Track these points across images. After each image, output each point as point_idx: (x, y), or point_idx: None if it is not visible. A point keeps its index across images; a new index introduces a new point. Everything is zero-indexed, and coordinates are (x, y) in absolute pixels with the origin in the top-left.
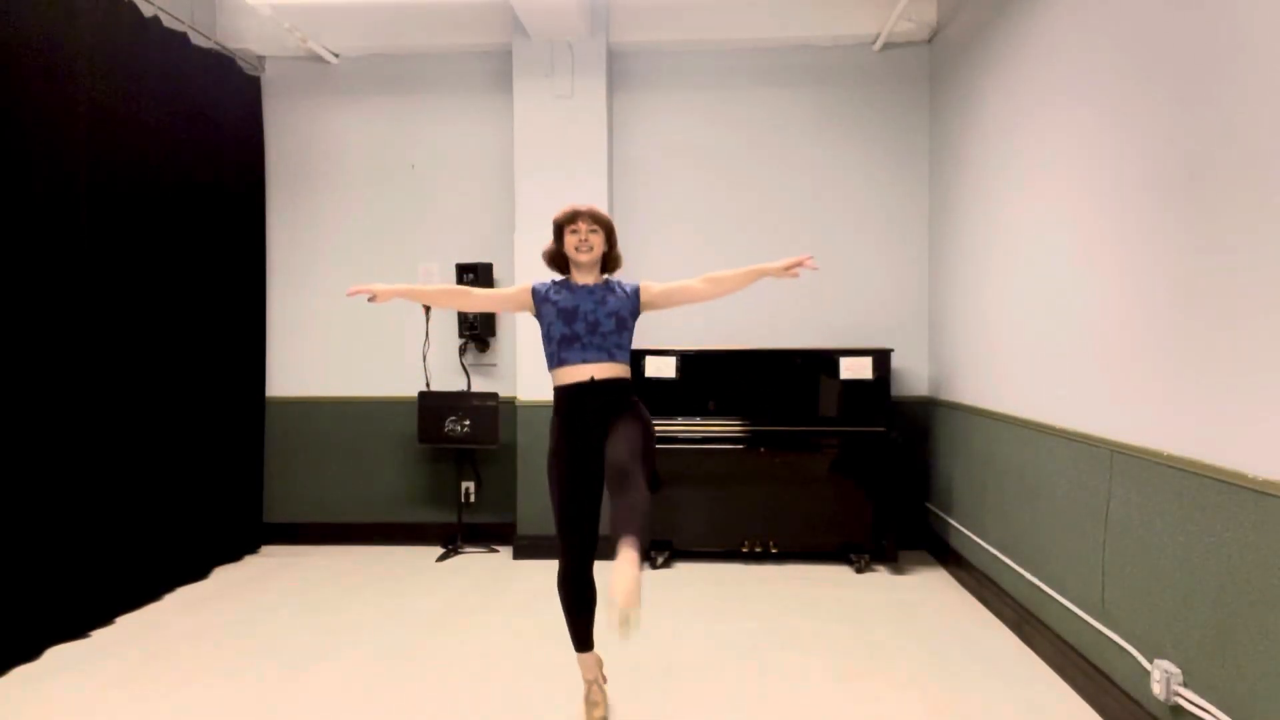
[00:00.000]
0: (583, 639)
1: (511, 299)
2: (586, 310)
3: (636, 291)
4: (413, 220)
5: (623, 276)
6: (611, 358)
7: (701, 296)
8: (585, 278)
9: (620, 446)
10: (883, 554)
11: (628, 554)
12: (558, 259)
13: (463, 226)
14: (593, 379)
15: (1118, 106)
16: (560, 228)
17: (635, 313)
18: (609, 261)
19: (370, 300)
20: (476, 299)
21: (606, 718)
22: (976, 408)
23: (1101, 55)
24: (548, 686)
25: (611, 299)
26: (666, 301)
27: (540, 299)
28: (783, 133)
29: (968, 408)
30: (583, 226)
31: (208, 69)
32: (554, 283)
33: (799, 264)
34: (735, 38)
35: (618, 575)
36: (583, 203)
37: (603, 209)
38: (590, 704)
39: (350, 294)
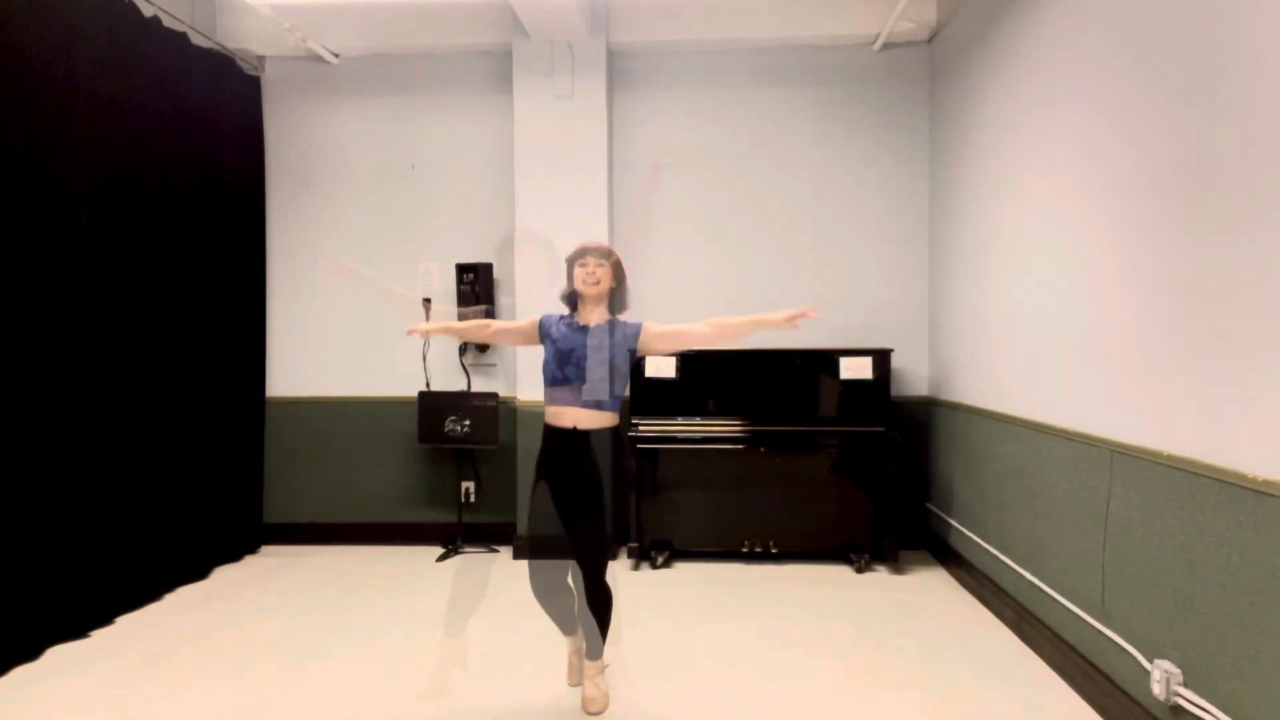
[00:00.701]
0: (564, 627)
1: (522, 332)
2: (580, 356)
3: (637, 333)
4: (413, 220)
5: (633, 296)
6: (599, 406)
7: (703, 342)
8: (591, 315)
9: (581, 535)
10: (883, 554)
11: (594, 676)
12: (571, 298)
13: (463, 226)
14: (575, 429)
15: (1118, 106)
16: (570, 264)
17: (631, 354)
18: (616, 299)
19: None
20: (494, 331)
21: (598, 689)
22: (976, 408)
23: (1102, 55)
24: (548, 686)
25: (609, 342)
26: (665, 345)
27: (544, 333)
28: (783, 133)
29: (968, 408)
30: (590, 261)
31: (208, 69)
32: (560, 317)
33: (801, 315)
34: (735, 38)
35: (588, 693)
36: (592, 240)
37: (609, 244)
38: (571, 668)
39: (409, 334)
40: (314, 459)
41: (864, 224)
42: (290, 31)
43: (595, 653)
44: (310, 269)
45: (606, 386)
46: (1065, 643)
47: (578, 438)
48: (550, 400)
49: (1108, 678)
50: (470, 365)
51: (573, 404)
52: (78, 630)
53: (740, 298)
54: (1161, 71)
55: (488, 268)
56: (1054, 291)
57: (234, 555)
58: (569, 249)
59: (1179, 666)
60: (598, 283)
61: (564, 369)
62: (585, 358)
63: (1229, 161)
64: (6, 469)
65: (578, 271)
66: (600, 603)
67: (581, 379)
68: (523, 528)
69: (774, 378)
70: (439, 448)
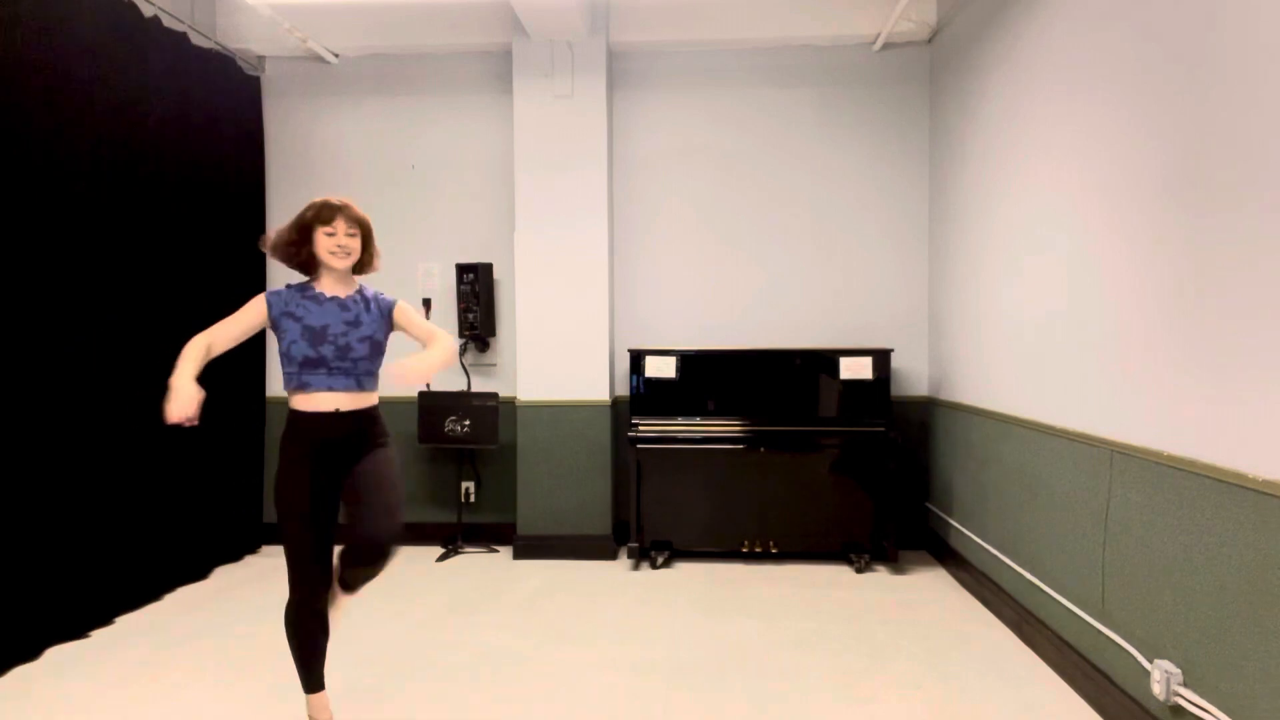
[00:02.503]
0: (315, 677)
1: (247, 320)
2: (337, 332)
3: (390, 312)
4: (413, 220)
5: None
6: (360, 386)
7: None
8: (337, 287)
9: (381, 522)
10: (883, 554)
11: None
12: (297, 255)
13: (463, 226)
14: (338, 410)
15: (1119, 106)
16: (310, 225)
17: (388, 333)
18: (364, 264)
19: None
20: (218, 337)
21: None
22: (976, 408)
23: (1103, 55)
24: (547, 686)
25: (366, 319)
26: (411, 332)
27: (279, 312)
28: (783, 133)
29: (968, 408)
30: (340, 227)
31: (208, 69)
32: (294, 289)
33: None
34: (735, 38)
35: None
36: (337, 197)
37: (360, 207)
38: None
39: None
40: None
41: (864, 224)
42: (290, 31)
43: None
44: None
45: (369, 364)
46: (1065, 643)
47: (345, 420)
48: (300, 386)
49: (1108, 678)
50: (470, 365)
51: (331, 387)
52: (78, 630)
53: (740, 297)
54: (1163, 71)
55: (488, 267)
56: (1054, 291)
57: (234, 555)
58: (566, 248)
59: (1179, 666)
60: (349, 254)
61: (319, 347)
62: (343, 333)
63: (1230, 161)
64: (7, 469)
65: (324, 239)
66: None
67: (342, 357)
68: (523, 528)
69: (774, 378)
70: (439, 448)
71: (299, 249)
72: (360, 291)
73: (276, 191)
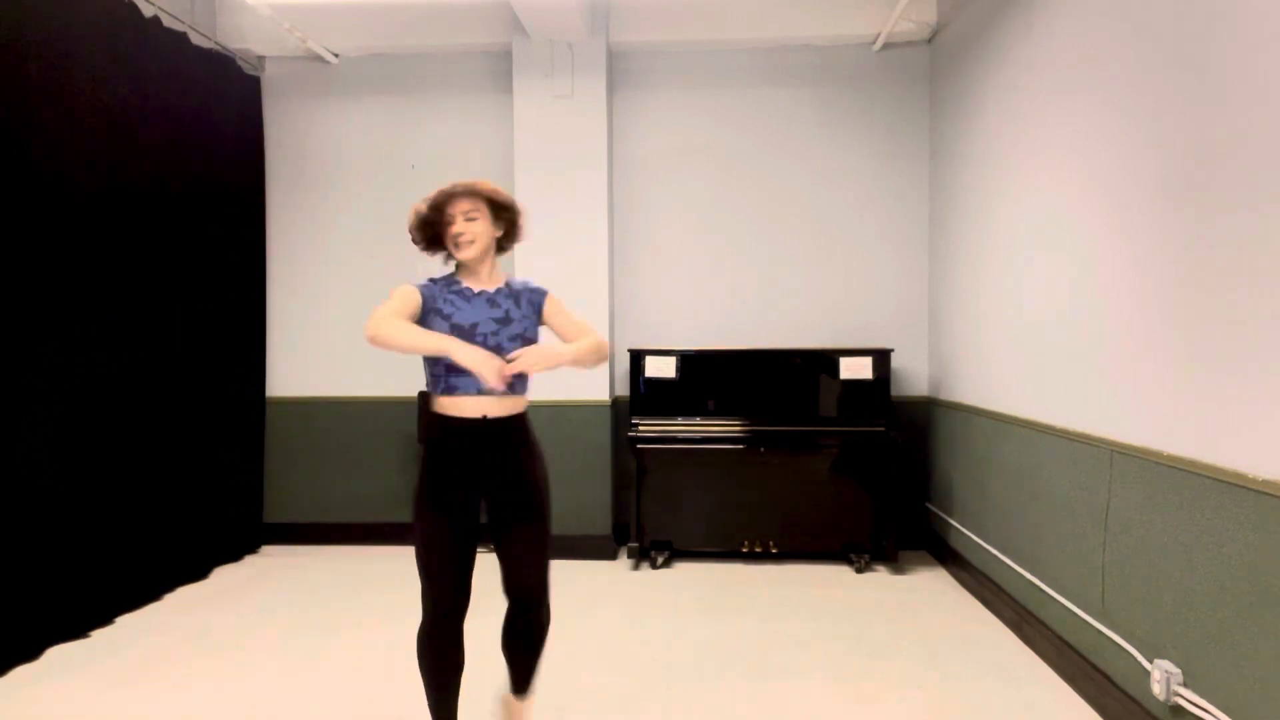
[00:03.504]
0: (448, 714)
1: (409, 313)
2: (486, 331)
3: (541, 307)
4: None
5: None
6: (510, 389)
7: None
8: (483, 280)
9: (529, 559)
10: (883, 554)
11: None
12: (433, 240)
13: None
14: (485, 417)
15: (1119, 106)
16: (433, 218)
17: (538, 330)
18: (502, 243)
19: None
20: (396, 329)
21: None
22: (976, 408)
23: (1103, 54)
24: (547, 686)
25: (516, 315)
26: (558, 328)
27: (428, 308)
28: (783, 133)
29: (968, 408)
30: (459, 211)
31: (208, 69)
32: (440, 283)
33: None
34: (735, 38)
35: None
36: (462, 181)
37: (495, 184)
38: None
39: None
40: (314, 459)
41: (864, 224)
42: (290, 31)
43: (528, 686)
44: (310, 269)
45: None
46: (1065, 643)
47: (495, 428)
48: (446, 388)
49: (1108, 678)
50: None
51: (480, 390)
52: (78, 630)
53: (740, 297)
54: (1163, 71)
55: None
56: (1054, 291)
57: (234, 555)
58: (566, 248)
59: (1179, 666)
60: (473, 241)
61: None
62: (494, 332)
63: (1231, 161)
64: (7, 469)
65: (447, 229)
66: (540, 635)
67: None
68: None
69: (774, 378)
70: None
71: (428, 231)
72: (509, 284)
73: (276, 192)
